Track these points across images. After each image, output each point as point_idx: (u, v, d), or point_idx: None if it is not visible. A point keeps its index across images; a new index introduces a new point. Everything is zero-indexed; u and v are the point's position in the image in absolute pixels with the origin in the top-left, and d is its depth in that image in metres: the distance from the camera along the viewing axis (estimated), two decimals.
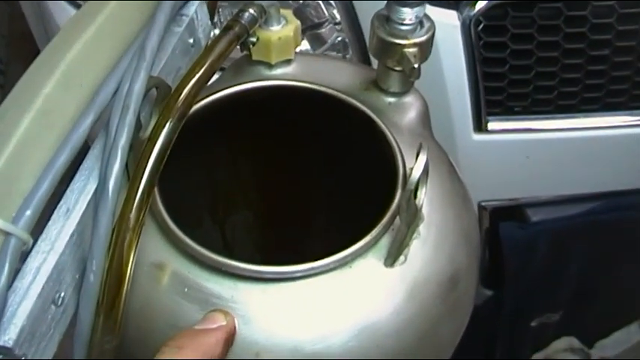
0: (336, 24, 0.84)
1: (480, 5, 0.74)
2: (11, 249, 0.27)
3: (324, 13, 0.84)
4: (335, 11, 0.83)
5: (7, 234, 0.28)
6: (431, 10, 0.74)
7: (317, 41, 0.86)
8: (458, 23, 0.74)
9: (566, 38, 0.75)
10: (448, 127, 0.80)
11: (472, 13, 0.74)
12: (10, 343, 0.27)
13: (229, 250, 0.54)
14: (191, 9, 0.42)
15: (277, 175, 0.48)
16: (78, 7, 0.90)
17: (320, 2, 0.83)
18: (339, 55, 0.80)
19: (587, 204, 0.89)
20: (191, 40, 0.42)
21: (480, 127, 0.80)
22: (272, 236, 0.52)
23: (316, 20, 0.85)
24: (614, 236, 0.93)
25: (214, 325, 0.30)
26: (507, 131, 0.81)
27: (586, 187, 0.88)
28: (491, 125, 0.81)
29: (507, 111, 0.81)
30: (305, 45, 0.85)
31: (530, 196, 0.88)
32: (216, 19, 0.83)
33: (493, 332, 1.11)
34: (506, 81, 0.78)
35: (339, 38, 0.84)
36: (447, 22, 0.73)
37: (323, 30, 0.85)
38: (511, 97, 0.79)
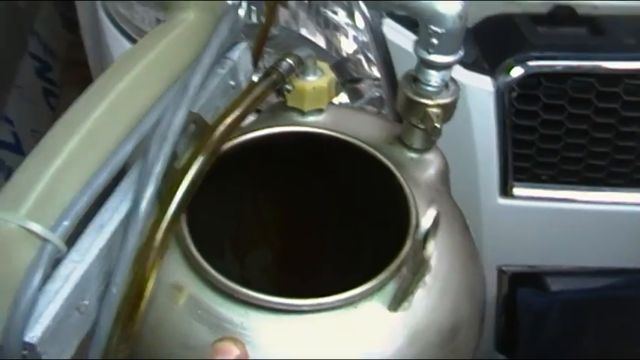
0: (375, 79, 0.87)
1: (515, 73, 0.76)
2: (47, 254, 0.30)
3: (365, 70, 0.87)
4: (375, 68, 0.86)
5: (45, 240, 0.30)
6: (467, 75, 0.77)
7: (355, 95, 0.89)
8: (492, 89, 0.76)
9: (597, 112, 0.76)
10: (474, 189, 0.81)
11: (507, 81, 0.76)
12: (34, 340, 0.29)
13: (246, 283, 0.56)
14: (235, 53, 0.45)
15: (296, 215, 0.50)
16: (134, 42, 0.95)
17: (362, 58, 0.86)
18: (374, 109, 0.83)
19: (607, 278, 0.89)
20: (232, 83, 0.45)
21: (505, 191, 0.82)
22: (286, 274, 0.54)
23: (355, 75, 0.88)
24: (632, 314, 0.93)
25: (230, 357, 0.32)
26: (533, 198, 0.82)
27: (608, 261, 0.88)
28: (517, 191, 0.82)
29: (534, 178, 0.82)
30: (343, 97, 0.88)
31: (550, 265, 0.89)
32: (261, 64, 0.87)
33: None
34: (535, 149, 0.79)
35: (377, 94, 0.87)
36: (482, 88, 0.76)
37: (362, 85, 0.88)
38: (539, 165, 0.81)
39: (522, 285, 0.91)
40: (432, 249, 0.34)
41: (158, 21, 0.93)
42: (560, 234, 0.85)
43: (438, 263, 0.37)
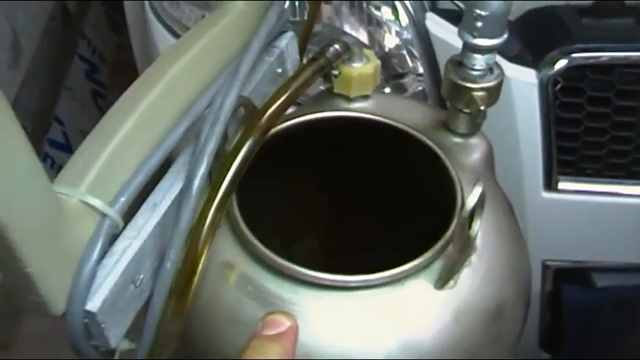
0: (418, 75, 0.87)
1: (558, 66, 0.75)
2: (105, 228, 0.32)
3: (409, 65, 0.88)
4: (418, 63, 0.87)
5: (104, 215, 0.32)
6: (510, 68, 0.76)
7: (399, 89, 0.89)
8: (536, 82, 0.75)
9: None
10: (518, 183, 0.81)
11: (550, 73, 0.76)
12: (95, 309, 0.30)
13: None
14: (283, 42, 0.47)
15: (343, 199, 0.51)
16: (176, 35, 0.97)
17: (405, 53, 0.87)
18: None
19: None
20: (279, 70, 0.46)
21: (550, 185, 0.81)
22: (333, 260, 0.55)
23: (400, 70, 0.89)
24: None
25: (282, 329, 0.33)
26: (578, 192, 0.81)
27: None
28: (561, 185, 0.81)
29: (579, 172, 0.81)
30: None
31: (596, 260, 0.88)
32: (305, 60, 0.88)
33: None
34: (581, 142, 0.79)
35: (420, 88, 0.88)
36: (525, 80, 0.76)
37: (405, 80, 0.89)
38: (584, 158, 0.80)
39: (567, 281, 0.90)
40: (477, 227, 0.34)
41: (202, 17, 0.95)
42: (606, 229, 0.84)
43: (484, 244, 0.38)
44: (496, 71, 0.41)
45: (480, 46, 0.38)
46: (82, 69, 1.45)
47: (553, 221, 0.85)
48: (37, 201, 0.28)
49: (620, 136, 0.78)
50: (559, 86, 0.76)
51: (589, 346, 0.96)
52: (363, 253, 0.53)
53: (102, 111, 1.47)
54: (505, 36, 0.39)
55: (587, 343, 0.95)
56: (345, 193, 0.51)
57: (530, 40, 0.78)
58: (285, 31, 0.47)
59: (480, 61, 0.39)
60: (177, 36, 0.97)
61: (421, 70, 0.86)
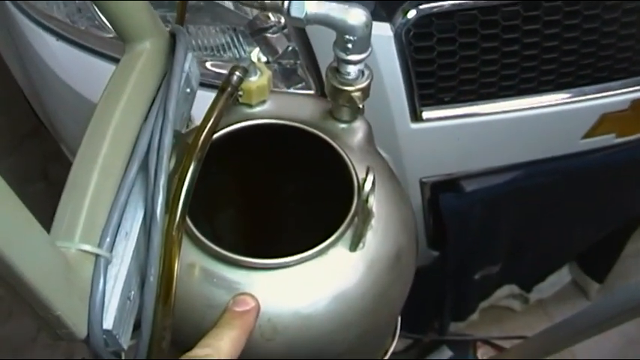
0: (283, 28, 0.96)
1: (410, 16, 0.87)
2: (102, 265, 0.41)
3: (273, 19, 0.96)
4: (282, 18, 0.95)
5: (98, 255, 0.41)
6: None
7: (269, 50, 0.98)
8: (391, 34, 0.87)
9: (483, 39, 0.89)
10: (389, 120, 0.94)
11: (403, 23, 0.87)
12: (110, 327, 0.40)
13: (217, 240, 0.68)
14: (187, 64, 0.55)
15: (258, 186, 0.62)
16: (48, 29, 1.00)
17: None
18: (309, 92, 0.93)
19: (510, 173, 1.05)
20: (188, 90, 0.55)
21: (416, 117, 0.94)
22: (252, 233, 0.66)
23: (265, 25, 0.97)
24: (535, 198, 1.10)
25: (249, 307, 0.45)
26: (439, 119, 0.95)
27: (508, 159, 1.04)
28: (425, 115, 0.94)
29: (438, 102, 0.95)
30: (258, 54, 0.97)
31: (463, 171, 1.04)
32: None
33: (442, 287, 1.27)
34: (436, 77, 0.92)
35: (290, 48, 0.97)
36: (382, 34, 0.87)
37: (273, 37, 0.97)
38: (440, 90, 0.93)
39: (442, 191, 1.06)
40: (372, 201, 0.46)
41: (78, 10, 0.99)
42: (466, 144, 0.99)
43: (378, 209, 0.50)
44: (366, 72, 0.52)
45: (352, 60, 0.49)
46: None
47: (423, 146, 0.99)
48: (52, 260, 0.37)
49: (467, 67, 0.92)
50: (411, 33, 0.88)
51: (467, 239, 1.13)
52: (276, 223, 0.65)
53: None
54: (370, 49, 0.50)
55: (465, 237, 1.12)
56: (261, 178, 0.61)
57: None
58: (186, 54, 0.55)
59: (353, 69, 0.50)
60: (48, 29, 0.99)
61: (283, 20, 0.95)
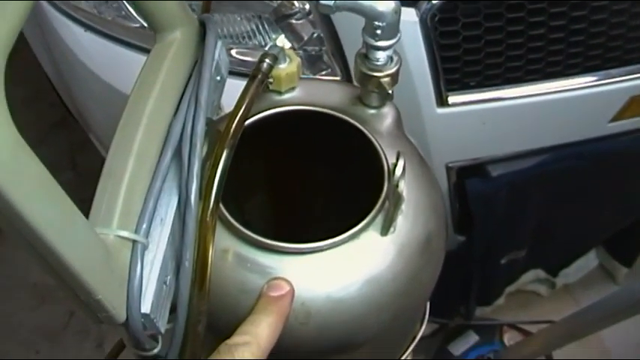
0: (308, 14, 0.96)
1: (434, 0, 0.87)
2: (139, 251, 0.42)
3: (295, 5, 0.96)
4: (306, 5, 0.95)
5: (135, 241, 0.42)
6: None
7: (295, 37, 0.98)
8: (417, 19, 0.87)
9: (508, 22, 0.89)
10: (415, 105, 0.94)
11: (428, 8, 0.87)
12: (147, 311, 0.41)
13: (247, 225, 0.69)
14: (217, 52, 0.56)
15: (288, 173, 0.63)
16: (75, 20, 1.01)
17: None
18: (328, 74, 0.93)
19: (537, 157, 1.04)
20: (218, 78, 0.56)
21: (442, 102, 0.94)
22: (284, 218, 0.67)
23: (290, 12, 0.97)
24: (562, 182, 1.09)
25: (284, 292, 0.45)
26: (465, 103, 0.95)
27: (535, 143, 1.04)
28: (451, 99, 0.95)
29: (464, 86, 0.95)
30: (284, 41, 0.97)
31: (489, 155, 1.04)
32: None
33: (469, 272, 1.27)
34: (461, 62, 0.92)
35: (315, 34, 0.97)
36: (408, 19, 0.87)
37: (298, 24, 0.97)
38: (466, 74, 0.93)
39: (468, 176, 1.06)
40: (403, 186, 0.47)
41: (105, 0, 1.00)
42: (492, 128, 0.99)
43: (408, 193, 0.51)
44: (395, 58, 0.52)
45: (381, 46, 0.50)
46: None
47: (449, 130, 0.99)
48: (93, 246, 0.38)
49: (493, 52, 0.91)
50: (437, 18, 0.88)
51: (493, 224, 1.13)
52: (309, 211, 0.66)
53: None
54: (399, 35, 0.50)
55: (491, 222, 1.13)
56: (292, 166, 0.62)
57: None
58: (216, 42, 0.56)
59: (382, 55, 0.51)
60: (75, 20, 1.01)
61: (308, 6, 0.95)
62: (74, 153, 1.81)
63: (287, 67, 0.54)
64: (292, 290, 0.46)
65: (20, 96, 1.80)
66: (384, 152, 0.51)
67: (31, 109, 1.84)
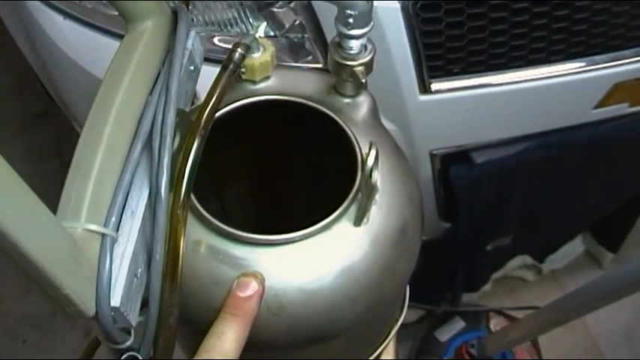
0: (290, 2, 0.96)
1: None
2: (108, 244, 0.42)
3: None
4: None
5: (104, 235, 0.42)
6: None
7: (276, 25, 0.98)
8: (399, 6, 0.86)
9: (491, 9, 0.88)
10: (398, 92, 0.94)
11: None
12: (117, 304, 0.41)
13: (227, 216, 0.68)
14: (189, 42, 0.55)
15: (266, 163, 0.62)
16: (55, 9, 1.00)
17: None
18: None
19: (521, 144, 1.04)
20: (192, 68, 0.55)
21: (425, 89, 0.94)
22: (260, 207, 0.66)
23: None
24: (547, 168, 1.10)
25: (252, 292, 0.45)
26: (449, 90, 0.95)
27: (519, 130, 1.04)
28: (434, 87, 0.94)
29: (447, 73, 0.94)
30: (265, 29, 0.97)
31: (473, 142, 1.04)
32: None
33: (454, 258, 1.27)
34: (444, 49, 0.91)
35: (297, 21, 0.96)
36: (390, 6, 0.86)
37: (279, 10, 0.97)
38: (449, 61, 0.93)
39: (452, 163, 1.06)
40: (376, 176, 0.46)
41: None
42: (476, 115, 0.99)
43: (382, 183, 0.50)
44: (369, 47, 0.52)
45: (354, 35, 0.49)
46: None
47: (432, 118, 0.99)
48: (59, 240, 0.38)
49: (476, 38, 0.91)
50: (419, 5, 0.87)
51: (478, 210, 1.14)
52: (284, 198, 0.66)
53: None
54: (372, 24, 0.49)
55: (476, 209, 1.13)
56: (267, 154, 0.61)
57: None
58: (189, 31, 0.55)
59: (355, 44, 0.50)
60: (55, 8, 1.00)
61: None
62: (60, 142, 1.80)
63: (260, 57, 0.54)
64: (261, 289, 0.46)
65: (5, 85, 1.79)
66: (357, 142, 0.51)
67: (16, 98, 1.83)
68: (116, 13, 0.95)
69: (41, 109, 1.83)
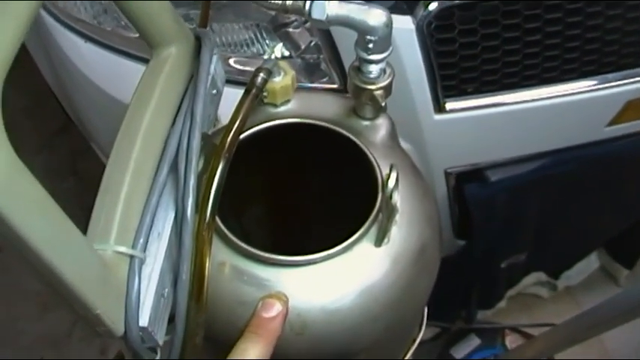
0: (304, 23, 0.97)
1: (431, 8, 0.87)
2: (136, 265, 0.43)
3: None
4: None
5: (132, 256, 0.43)
6: None
7: (292, 46, 0.99)
8: (413, 27, 0.88)
9: (504, 29, 0.89)
10: (413, 112, 0.95)
11: (425, 16, 0.88)
12: (145, 324, 0.42)
13: (246, 236, 0.69)
14: (212, 66, 0.56)
15: (285, 185, 0.63)
16: (75, 31, 1.02)
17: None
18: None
19: (535, 162, 1.05)
20: (214, 92, 0.56)
21: (439, 108, 0.95)
22: (281, 229, 0.68)
23: (287, 20, 0.98)
24: (561, 186, 1.10)
25: (275, 313, 0.46)
26: (463, 109, 0.95)
27: (533, 147, 1.04)
28: (448, 106, 0.95)
29: (461, 93, 0.95)
30: (281, 50, 0.98)
31: (487, 160, 1.04)
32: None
33: (469, 276, 1.27)
34: (458, 68, 0.92)
35: (312, 42, 0.98)
36: (404, 27, 0.87)
37: (295, 32, 0.98)
38: (463, 81, 0.94)
39: (467, 181, 1.06)
40: (396, 198, 0.47)
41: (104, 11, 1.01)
42: (490, 134, 1.00)
43: (402, 204, 0.51)
44: (388, 70, 0.53)
45: (373, 60, 0.50)
46: None
47: (447, 136, 0.99)
48: (91, 262, 0.39)
49: (489, 58, 0.92)
50: (433, 25, 0.88)
51: (493, 228, 1.14)
52: (302, 219, 0.67)
53: None
54: (391, 49, 0.51)
55: (491, 226, 1.13)
56: (286, 176, 0.63)
57: None
58: (212, 56, 0.57)
59: (374, 68, 0.51)
60: (72, 29, 1.02)
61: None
62: (75, 160, 1.82)
63: (281, 81, 0.55)
64: (285, 310, 0.46)
65: (22, 104, 1.81)
66: (377, 164, 0.52)
67: (32, 117, 1.85)
68: (135, 35, 0.97)
69: (57, 128, 1.85)
